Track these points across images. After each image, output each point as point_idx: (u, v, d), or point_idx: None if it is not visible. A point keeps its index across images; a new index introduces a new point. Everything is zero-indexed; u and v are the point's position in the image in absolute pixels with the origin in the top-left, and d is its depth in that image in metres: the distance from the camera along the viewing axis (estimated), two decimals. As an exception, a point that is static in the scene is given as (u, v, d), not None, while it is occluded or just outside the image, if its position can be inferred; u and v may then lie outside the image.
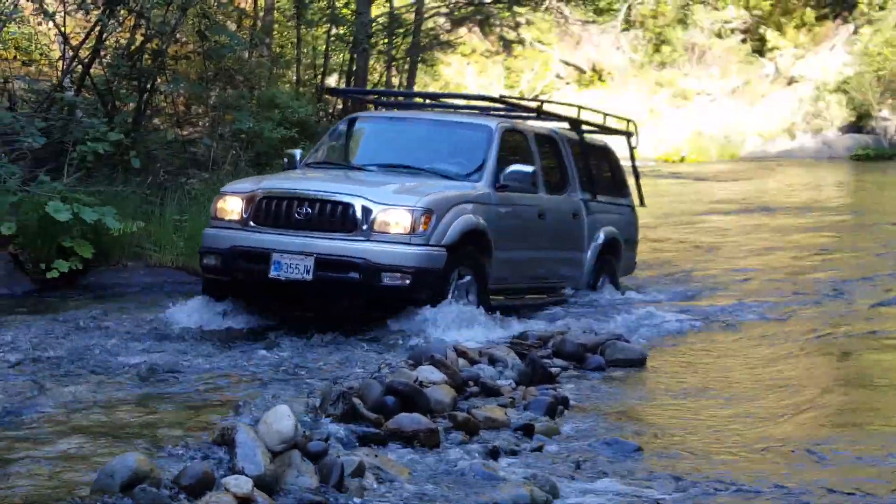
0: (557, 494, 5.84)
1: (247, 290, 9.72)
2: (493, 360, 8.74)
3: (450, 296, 9.40)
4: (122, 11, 13.73)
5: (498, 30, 22.23)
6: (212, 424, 6.39)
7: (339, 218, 9.22)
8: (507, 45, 23.03)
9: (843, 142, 31.26)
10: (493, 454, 6.80)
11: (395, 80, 21.87)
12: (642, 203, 13.76)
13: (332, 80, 22.49)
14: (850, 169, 27.75)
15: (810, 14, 35.27)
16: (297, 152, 11.89)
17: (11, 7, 13.75)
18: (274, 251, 9.18)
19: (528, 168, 10.39)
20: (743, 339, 9.41)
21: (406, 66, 20.51)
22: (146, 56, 14.69)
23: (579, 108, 13.01)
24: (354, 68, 21.10)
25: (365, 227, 9.15)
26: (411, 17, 18.79)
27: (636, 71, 35.92)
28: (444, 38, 19.67)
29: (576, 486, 6.10)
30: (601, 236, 12.09)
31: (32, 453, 6.29)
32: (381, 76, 22.82)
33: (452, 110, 12.02)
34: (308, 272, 9.11)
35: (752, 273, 13.53)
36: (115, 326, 10.10)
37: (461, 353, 8.36)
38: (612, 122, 14.16)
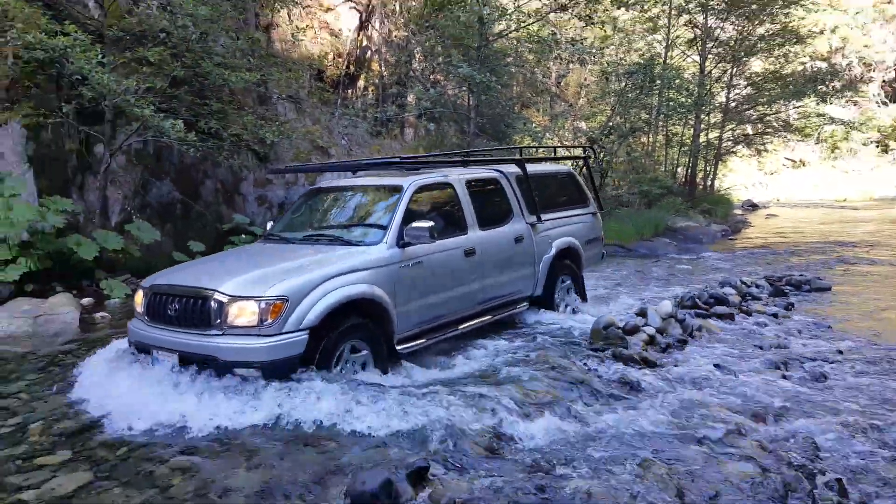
0: (789, 345, 6.85)
1: None
2: (757, 286, 9.65)
3: (337, 365, 5.35)
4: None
5: (754, 145, 21.77)
6: (631, 307, 7.94)
7: (198, 312, 5.27)
8: (759, 151, 22.35)
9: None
10: (760, 324, 7.83)
11: (706, 170, 27.01)
12: (601, 208, 9.34)
13: (680, 171, 25.96)
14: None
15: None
16: (270, 224, 7.49)
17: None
18: (153, 347, 5.43)
19: (426, 224, 5.99)
20: (878, 277, 10.36)
21: (713, 162, 26.85)
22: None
23: (520, 149, 8.74)
24: (690, 165, 25.39)
25: (219, 320, 5.14)
26: (716, 142, 25.63)
27: (821, 161, 32.92)
28: (731, 149, 19.51)
29: (798, 340, 7.10)
30: (553, 249, 7.87)
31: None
32: (702, 170, 26.77)
33: (408, 171, 7.01)
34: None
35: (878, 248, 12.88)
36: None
37: (742, 282, 9.51)
38: (577, 153, 11.33)
